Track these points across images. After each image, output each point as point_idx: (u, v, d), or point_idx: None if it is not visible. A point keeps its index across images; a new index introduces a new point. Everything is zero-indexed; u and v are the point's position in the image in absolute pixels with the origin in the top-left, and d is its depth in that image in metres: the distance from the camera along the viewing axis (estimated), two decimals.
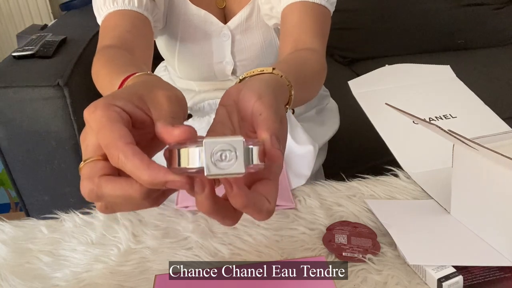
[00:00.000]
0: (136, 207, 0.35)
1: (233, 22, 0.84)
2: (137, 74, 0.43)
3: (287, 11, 0.73)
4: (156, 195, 0.34)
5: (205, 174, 0.30)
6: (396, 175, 0.71)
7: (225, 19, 0.86)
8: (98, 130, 0.32)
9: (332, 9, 0.77)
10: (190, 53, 0.87)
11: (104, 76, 0.53)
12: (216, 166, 0.30)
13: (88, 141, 0.34)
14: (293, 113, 0.92)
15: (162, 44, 0.90)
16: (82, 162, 0.33)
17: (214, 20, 0.83)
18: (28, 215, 1.25)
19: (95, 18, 0.73)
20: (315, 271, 0.51)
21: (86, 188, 0.32)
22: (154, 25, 0.76)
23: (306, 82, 0.58)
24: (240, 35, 0.85)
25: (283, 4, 0.74)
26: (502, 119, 0.78)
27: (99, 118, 0.32)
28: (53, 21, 1.69)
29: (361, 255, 0.55)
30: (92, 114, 0.33)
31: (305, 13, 0.72)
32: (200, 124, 0.85)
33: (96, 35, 0.68)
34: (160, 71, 1.04)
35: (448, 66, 0.92)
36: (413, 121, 0.75)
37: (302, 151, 0.78)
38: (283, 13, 0.74)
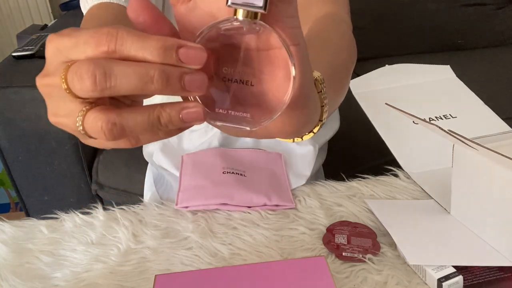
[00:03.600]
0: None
1: None
2: None
3: None
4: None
5: (229, 2, 0.27)
6: (396, 175, 0.71)
7: None
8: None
9: None
10: None
11: None
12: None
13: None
14: None
15: None
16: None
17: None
18: (28, 215, 1.25)
19: None
20: (315, 271, 0.51)
21: (90, 64, 0.25)
22: None
23: (336, 78, 0.47)
24: None
25: None
26: (502, 119, 0.78)
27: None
28: (53, 21, 1.69)
29: (361, 255, 0.55)
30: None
31: None
32: (202, 138, 0.79)
33: None
34: None
35: (448, 66, 0.93)
36: (413, 121, 0.75)
37: (302, 151, 0.78)
38: None
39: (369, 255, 0.55)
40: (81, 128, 0.27)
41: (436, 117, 0.79)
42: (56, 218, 0.65)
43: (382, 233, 0.59)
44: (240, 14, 0.27)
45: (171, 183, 0.82)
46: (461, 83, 0.88)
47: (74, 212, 0.66)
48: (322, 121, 0.37)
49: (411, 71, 0.94)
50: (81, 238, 0.61)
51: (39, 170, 1.18)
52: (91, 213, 0.65)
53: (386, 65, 0.94)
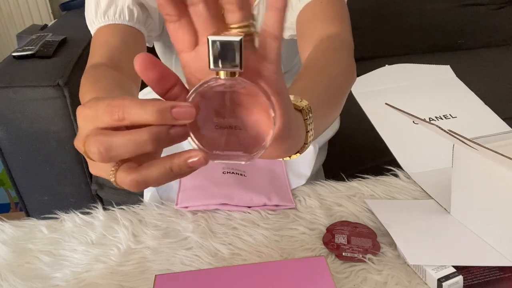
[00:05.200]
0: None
1: None
2: None
3: (300, 15, 0.70)
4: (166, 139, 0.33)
5: (210, 67, 0.31)
6: (396, 175, 0.71)
7: None
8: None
9: None
10: None
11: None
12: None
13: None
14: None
15: (160, 51, 0.88)
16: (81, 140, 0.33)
17: None
18: (28, 215, 1.25)
19: None
20: (315, 271, 0.51)
21: (95, 141, 0.31)
22: (148, 34, 0.74)
23: (331, 99, 0.52)
24: None
25: (296, 11, 0.71)
26: (502, 119, 0.78)
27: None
28: (53, 21, 1.69)
29: (361, 255, 0.55)
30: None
31: (319, 6, 0.68)
32: None
33: None
34: None
35: (448, 66, 0.93)
36: (413, 121, 0.75)
37: None
38: (297, 20, 0.71)
39: (369, 255, 0.55)
40: (114, 182, 0.34)
41: (436, 117, 0.80)
42: (56, 218, 0.65)
43: (382, 233, 0.59)
44: (222, 74, 0.31)
45: (171, 183, 0.82)
46: (461, 83, 0.89)
47: (74, 212, 0.66)
48: (307, 143, 0.42)
49: (411, 71, 0.95)
50: (81, 238, 0.61)
51: (39, 170, 1.17)
52: (91, 213, 0.65)
53: (386, 65, 0.94)
